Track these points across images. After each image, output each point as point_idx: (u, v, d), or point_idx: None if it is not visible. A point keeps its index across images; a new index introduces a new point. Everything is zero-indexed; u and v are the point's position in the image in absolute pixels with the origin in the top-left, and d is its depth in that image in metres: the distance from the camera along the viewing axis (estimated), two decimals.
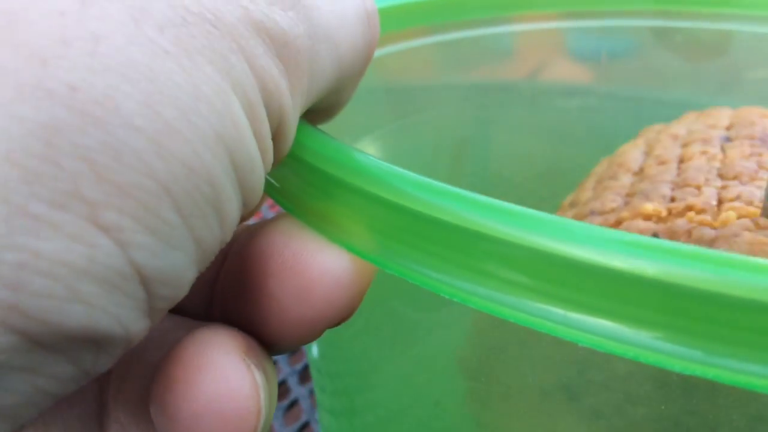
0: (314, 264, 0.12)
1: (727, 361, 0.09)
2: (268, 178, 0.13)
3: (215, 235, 0.10)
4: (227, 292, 0.13)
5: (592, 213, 0.20)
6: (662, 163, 0.21)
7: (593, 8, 0.29)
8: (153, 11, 0.09)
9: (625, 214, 0.19)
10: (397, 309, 0.20)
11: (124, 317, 0.09)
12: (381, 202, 0.11)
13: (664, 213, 0.18)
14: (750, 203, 0.18)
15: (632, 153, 0.23)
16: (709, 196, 0.18)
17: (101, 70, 0.08)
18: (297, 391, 0.30)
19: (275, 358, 0.32)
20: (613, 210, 0.20)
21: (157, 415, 0.11)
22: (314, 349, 0.21)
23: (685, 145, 0.22)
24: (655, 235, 0.18)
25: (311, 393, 0.29)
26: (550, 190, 0.27)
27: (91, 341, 0.09)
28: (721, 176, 0.19)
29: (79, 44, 0.08)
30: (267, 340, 0.12)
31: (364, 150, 0.24)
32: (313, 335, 0.12)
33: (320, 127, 0.16)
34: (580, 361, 0.17)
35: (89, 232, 0.08)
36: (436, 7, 0.26)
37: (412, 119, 0.28)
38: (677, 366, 0.09)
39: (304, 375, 0.30)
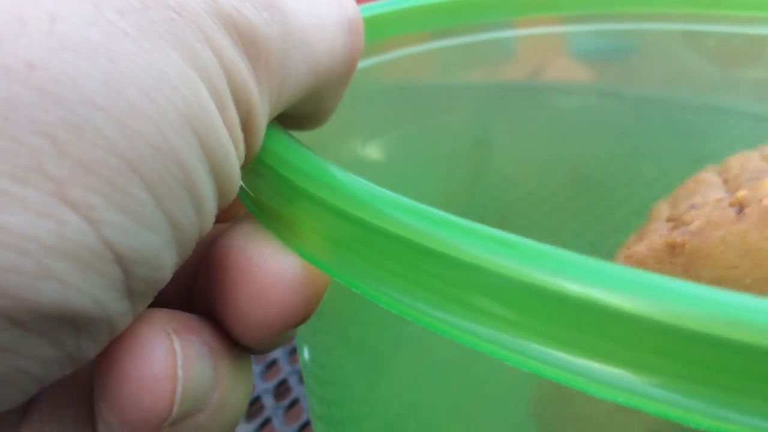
0: (267, 269, 0.12)
1: (732, 413, 0.08)
2: None
3: (192, 221, 0.10)
4: (201, 293, 0.13)
5: (693, 207, 0.18)
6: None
7: (599, 11, 0.28)
8: None
9: (743, 193, 0.17)
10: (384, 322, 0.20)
11: (101, 297, 0.09)
12: (334, 211, 0.11)
13: None
14: None
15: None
16: None
17: (59, 48, 0.08)
18: (297, 390, 0.30)
19: (276, 357, 0.32)
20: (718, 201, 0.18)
21: (95, 389, 0.11)
22: (305, 353, 0.21)
23: None
24: None
25: None
26: (551, 190, 0.27)
27: (67, 321, 0.09)
28: None
29: (35, 23, 0.08)
30: (238, 341, 0.12)
31: (374, 152, 0.24)
32: (273, 338, 0.12)
33: (313, 132, 0.16)
34: None
35: (57, 208, 0.08)
36: (440, 10, 0.25)
37: (443, 118, 0.27)
38: (676, 416, 0.08)
39: None
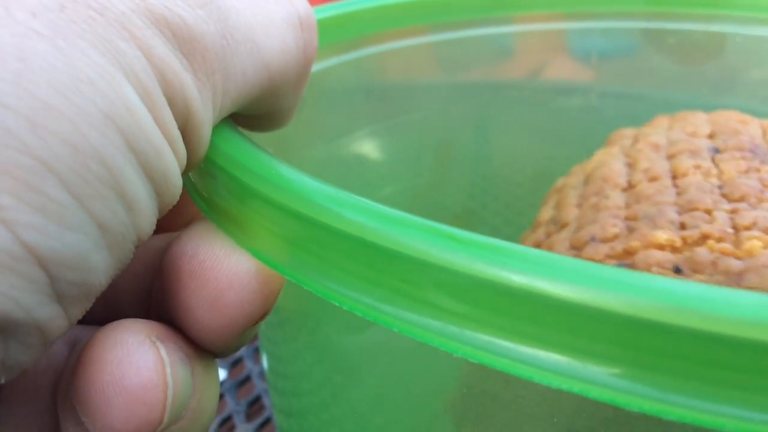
0: (221, 271, 0.12)
1: (686, 398, 0.08)
2: (191, 177, 0.13)
3: (122, 220, 0.10)
4: (157, 301, 0.13)
5: (593, 239, 0.18)
6: (653, 179, 0.20)
7: (590, 9, 0.28)
8: None
9: (635, 243, 0.18)
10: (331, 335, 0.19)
11: (24, 300, 0.09)
12: (285, 211, 0.11)
13: (678, 243, 0.17)
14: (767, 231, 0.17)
15: (614, 165, 0.21)
16: (723, 222, 0.17)
17: None
18: None
19: None
20: (616, 236, 0.18)
21: (77, 404, 0.11)
22: (264, 362, 0.20)
23: (671, 157, 0.21)
24: (677, 268, 0.17)
25: None
26: (550, 190, 0.27)
27: None
28: (725, 197, 0.18)
29: None
30: (201, 345, 0.12)
31: (338, 153, 0.24)
32: (234, 339, 0.12)
33: (277, 133, 0.16)
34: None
35: None
36: (435, 6, 0.26)
37: (410, 117, 0.27)
38: (635, 405, 0.08)
39: None
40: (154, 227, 0.11)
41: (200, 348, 0.12)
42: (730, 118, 0.22)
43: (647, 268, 0.17)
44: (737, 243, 0.17)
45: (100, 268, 0.10)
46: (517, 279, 0.09)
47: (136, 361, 0.11)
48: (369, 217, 0.10)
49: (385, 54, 0.25)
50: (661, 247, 0.17)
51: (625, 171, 0.21)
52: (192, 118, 0.11)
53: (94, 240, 0.09)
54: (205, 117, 0.11)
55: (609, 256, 0.18)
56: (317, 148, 0.24)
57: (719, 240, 0.17)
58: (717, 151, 0.20)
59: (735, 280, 0.16)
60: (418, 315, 0.10)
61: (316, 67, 0.22)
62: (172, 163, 0.11)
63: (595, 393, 0.08)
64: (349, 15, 0.22)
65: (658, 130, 0.22)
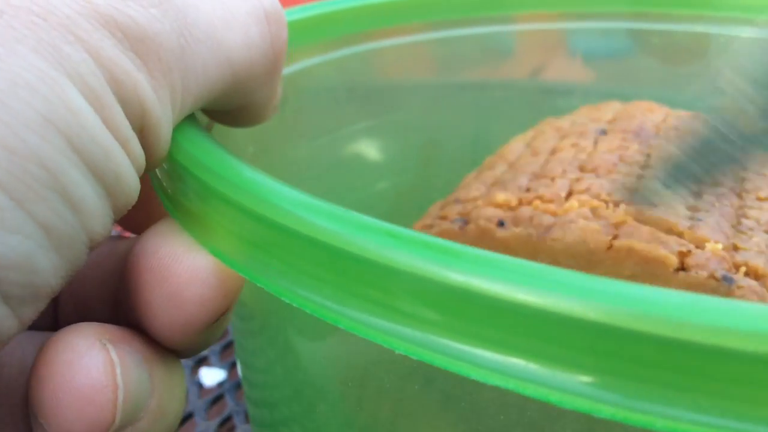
0: (180, 268, 0.12)
1: (655, 405, 0.08)
2: (157, 174, 0.13)
3: (68, 221, 0.10)
4: (123, 302, 0.13)
5: (457, 201, 0.21)
6: (535, 154, 0.22)
7: (591, 10, 0.28)
8: None
9: (480, 202, 0.20)
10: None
11: None
12: (246, 212, 0.11)
13: (514, 202, 0.19)
14: (597, 196, 0.18)
15: (516, 144, 0.23)
16: (560, 187, 0.19)
17: None
18: None
19: None
20: (474, 198, 0.20)
21: (33, 407, 0.11)
22: (239, 371, 0.20)
23: (562, 138, 0.22)
24: (501, 222, 0.19)
25: None
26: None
27: None
28: (580, 168, 0.20)
29: None
30: (164, 344, 0.12)
31: (320, 152, 0.24)
32: (196, 336, 0.12)
33: (258, 131, 0.16)
34: None
35: None
36: (435, 5, 0.25)
37: (408, 117, 0.27)
38: (605, 412, 0.08)
39: None
40: (108, 228, 0.11)
41: (162, 349, 0.12)
42: (639, 107, 0.23)
43: (476, 221, 0.19)
44: (561, 204, 0.18)
45: (47, 269, 0.10)
46: (484, 285, 0.08)
47: (85, 363, 0.11)
48: (325, 219, 0.10)
49: (385, 52, 0.25)
50: (498, 205, 0.19)
51: (520, 149, 0.23)
52: (148, 118, 0.11)
53: (38, 242, 0.09)
54: (163, 116, 0.11)
55: (459, 213, 0.20)
56: (301, 146, 0.23)
57: (549, 201, 0.19)
58: (604, 132, 0.22)
59: (543, 232, 0.18)
60: (373, 316, 0.09)
61: (318, 66, 0.22)
62: (124, 163, 0.10)
63: (566, 401, 0.08)
64: (349, 13, 0.22)
65: (573, 116, 0.24)
